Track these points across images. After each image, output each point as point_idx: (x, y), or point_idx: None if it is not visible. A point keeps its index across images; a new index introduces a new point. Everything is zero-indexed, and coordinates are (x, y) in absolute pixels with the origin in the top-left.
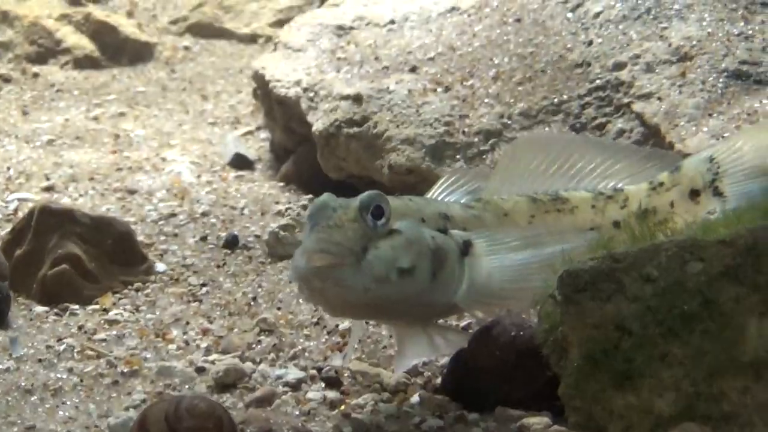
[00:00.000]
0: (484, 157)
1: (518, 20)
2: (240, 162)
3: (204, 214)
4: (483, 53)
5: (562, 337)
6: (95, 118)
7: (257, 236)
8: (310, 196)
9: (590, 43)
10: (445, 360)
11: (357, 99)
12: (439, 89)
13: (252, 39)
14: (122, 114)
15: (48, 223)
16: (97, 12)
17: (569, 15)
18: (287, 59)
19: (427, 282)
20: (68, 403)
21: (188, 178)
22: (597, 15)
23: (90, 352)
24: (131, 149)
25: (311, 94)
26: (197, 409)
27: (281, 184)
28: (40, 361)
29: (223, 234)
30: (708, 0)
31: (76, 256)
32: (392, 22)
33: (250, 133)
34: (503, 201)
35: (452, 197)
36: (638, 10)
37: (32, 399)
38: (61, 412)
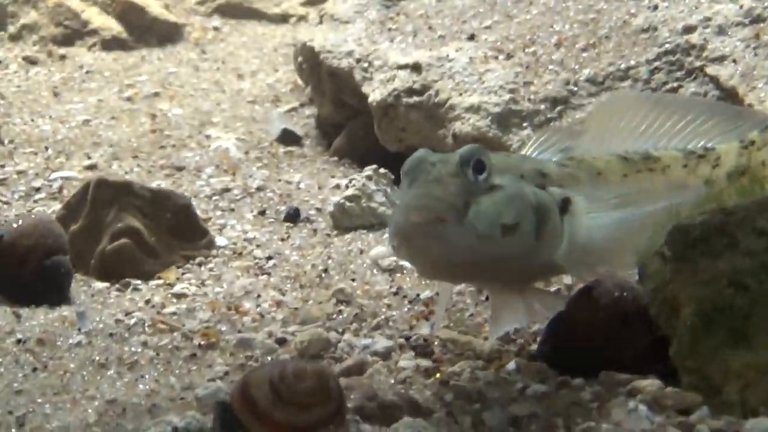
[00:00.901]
0: (552, 124)
1: None
2: (288, 138)
3: (259, 189)
4: (542, 20)
5: (672, 296)
6: (129, 99)
7: (318, 209)
8: (374, 166)
9: (656, 7)
10: (537, 327)
11: (416, 67)
12: (501, 57)
13: (283, 19)
14: (156, 94)
15: (105, 196)
16: None
17: None
18: (335, 31)
19: (530, 240)
20: (146, 376)
21: (236, 155)
22: None
23: (162, 326)
24: (171, 128)
25: (365, 65)
26: (304, 372)
27: (334, 158)
28: (111, 335)
29: (282, 208)
30: None
31: (136, 229)
32: None
33: (294, 109)
34: (595, 159)
35: (545, 156)
36: None
37: (108, 373)
38: (141, 386)
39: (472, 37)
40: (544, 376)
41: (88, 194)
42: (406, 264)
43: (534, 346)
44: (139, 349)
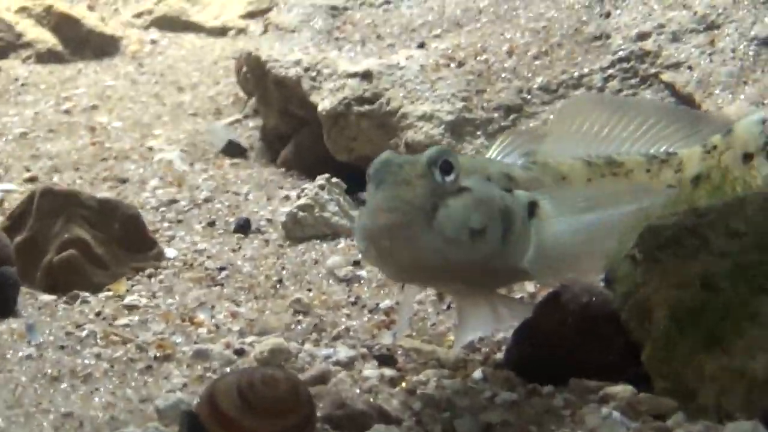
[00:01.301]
0: (514, 128)
1: None
2: (233, 150)
3: (207, 200)
4: (492, 29)
5: (644, 299)
6: (67, 111)
7: (269, 220)
8: (327, 175)
9: (608, 15)
10: (501, 335)
11: (366, 76)
12: (452, 65)
13: (222, 32)
14: (95, 107)
15: (51, 206)
16: (59, 4)
17: None
18: (281, 40)
19: (497, 244)
20: (102, 389)
21: (181, 166)
22: None
23: (115, 338)
24: (111, 140)
25: (313, 74)
26: (274, 379)
27: (281, 169)
28: (62, 347)
29: (232, 219)
30: None
31: (84, 240)
32: (387, 2)
33: (237, 121)
34: (559, 164)
35: (508, 160)
36: None
37: (62, 386)
38: (96, 398)
39: (422, 45)
40: (512, 384)
41: (33, 204)
42: (363, 274)
43: (499, 355)
44: (93, 362)
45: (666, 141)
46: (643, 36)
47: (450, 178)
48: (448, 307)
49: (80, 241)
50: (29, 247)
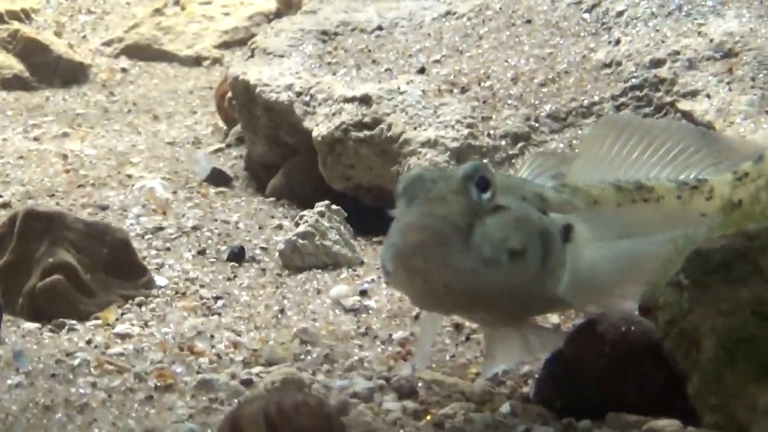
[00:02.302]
0: (513, 161)
1: (528, 22)
2: (218, 178)
3: (195, 228)
4: (495, 55)
5: (691, 327)
6: (36, 139)
7: (263, 249)
8: (327, 202)
9: (617, 42)
10: (527, 368)
11: (365, 100)
12: (455, 90)
13: (196, 61)
14: (65, 134)
15: (35, 228)
16: (27, 29)
17: (585, 15)
18: (269, 65)
19: (537, 268)
20: (100, 419)
21: (163, 194)
22: (620, 14)
23: (109, 367)
24: (86, 168)
25: (306, 98)
26: (305, 405)
27: (271, 199)
28: (53, 376)
29: (223, 248)
30: None
31: (70, 265)
32: (380, 28)
33: (220, 150)
34: (590, 187)
35: (538, 181)
36: (668, 7)
37: (56, 416)
38: (96, 429)
39: (422, 71)
40: (545, 418)
41: (15, 226)
42: (371, 304)
43: (526, 389)
44: (88, 391)
45: (696, 166)
46: (657, 63)
47: (487, 195)
48: (467, 339)
49: (66, 266)
50: (10, 272)
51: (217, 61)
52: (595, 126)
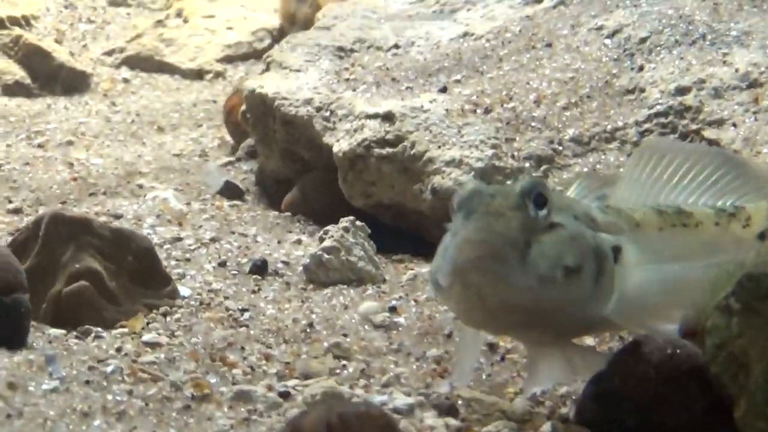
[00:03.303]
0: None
1: (549, 45)
2: (231, 191)
3: (213, 240)
4: (517, 77)
5: (740, 351)
6: (41, 146)
7: (285, 263)
8: (351, 218)
9: (641, 68)
10: (565, 389)
11: (388, 117)
12: (479, 111)
13: (198, 75)
14: (70, 142)
15: (60, 233)
16: (29, 35)
17: (606, 41)
18: (286, 79)
19: (591, 286)
20: (140, 427)
21: (177, 205)
22: (643, 40)
23: (143, 375)
24: (94, 177)
25: (326, 113)
26: (369, 416)
27: (286, 213)
28: (87, 382)
29: (244, 260)
30: (766, 27)
31: (97, 271)
32: (396, 46)
33: (230, 163)
34: (633, 210)
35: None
36: (692, 36)
37: (95, 423)
38: None
39: (444, 90)
40: None
41: (40, 230)
42: (401, 321)
43: (564, 409)
44: (125, 398)
45: (733, 193)
46: (682, 91)
47: (543, 212)
48: (502, 359)
49: (92, 272)
50: (34, 276)
51: (219, 74)
52: (637, 149)
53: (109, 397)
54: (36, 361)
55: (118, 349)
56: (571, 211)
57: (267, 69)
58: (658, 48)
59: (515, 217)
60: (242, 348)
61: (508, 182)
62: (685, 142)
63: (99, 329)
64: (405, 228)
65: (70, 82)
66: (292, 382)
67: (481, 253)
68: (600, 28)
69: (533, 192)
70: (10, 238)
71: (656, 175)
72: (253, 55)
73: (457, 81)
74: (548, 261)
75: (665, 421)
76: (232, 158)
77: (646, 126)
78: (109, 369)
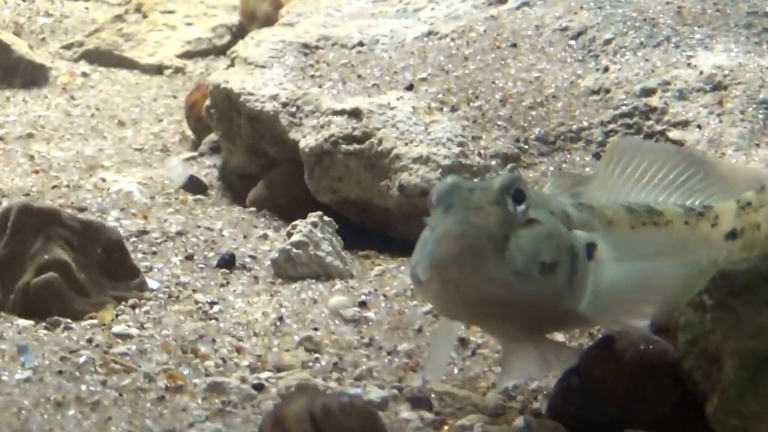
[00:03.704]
0: (488, 178)
1: (513, 45)
2: (194, 186)
3: (179, 234)
4: (482, 76)
5: (713, 347)
6: (1, 139)
7: (252, 257)
8: (320, 213)
9: (606, 69)
10: (536, 384)
11: (355, 114)
12: (445, 108)
13: (158, 70)
14: (30, 135)
15: (29, 224)
16: None
17: (571, 42)
18: (251, 75)
19: (565, 282)
20: (115, 418)
21: (141, 199)
22: (608, 42)
23: (115, 366)
24: (55, 170)
25: (293, 109)
26: (352, 406)
27: (251, 209)
28: (60, 372)
29: (210, 254)
30: (728, 31)
31: (65, 263)
32: (361, 44)
33: (192, 158)
34: (604, 208)
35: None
36: (656, 38)
37: (69, 413)
38: (113, 427)
39: (410, 87)
40: None
41: (9, 220)
42: (371, 315)
43: (536, 404)
44: (98, 389)
45: (702, 193)
46: (647, 92)
47: (521, 208)
48: (473, 353)
49: (61, 263)
50: (2, 267)
51: (179, 70)
52: (609, 148)
53: (83, 387)
54: (8, 351)
55: (89, 341)
56: (547, 208)
57: (232, 64)
58: (623, 49)
59: (494, 212)
60: (213, 340)
61: (475, 180)
62: (655, 143)
63: (68, 320)
64: (370, 224)
65: (28, 76)
66: (264, 375)
67: (460, 247)
68: (564, 29)
69: (512, 188)
70: None
71: (627, 174)
72: (213, 51)
73: (423, 79)
74: (525, 256)
75: (638, 415)
76: (194, 153)
77: (611, 126)
78: (81, 360)
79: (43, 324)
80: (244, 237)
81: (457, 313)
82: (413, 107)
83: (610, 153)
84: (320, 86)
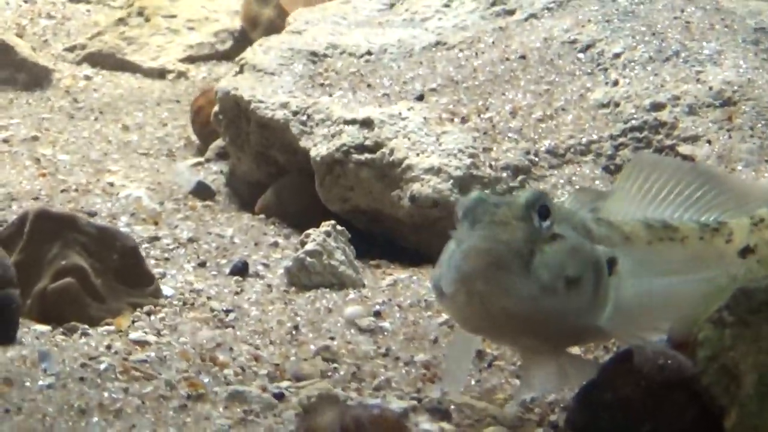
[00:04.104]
0: (514, 194)
1: (522, 57)
2: (203, 192)
3: (191, 240)
4: (492, 87)
5: (732, 363)
6: (6, 141)
7: (265, 265)
8: (332, 222)
9: (615, 83)
10: (553, 397)
11: (367, 123)
12: (456, 120)
13: (160, 74)
14: (35, 138)
15: (46, 229)
16: None
17: (580, 55)
18: (260, 82)
19: (589, 297)
20: (139, 426)
21: (150, 204)
22: (617, 56)
23: (136, 373)
24: (63, 173)
25: (303, 118)
26: (383, 419)
27: (260, 216)
28: (81, 379)
29: (223, 261)
30: (737, 47)
31: (82, 268)
32: (369, 53)
33: (199, 164)
34: (623, 223)
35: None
36: (665, 53)
37: (93, 420)
38: None
39: (421, 98)
40: None
41: (26, 226)
42: (386, 325)
43: (553, 417)
44: (121, 396)
45: (717, 209)
46: (657, 107)
47: (546, 223)
48: (489, 365)
49: (78, 269)
50: (19, 272)
51: (182, 74)
52: (628, 163)
53: (105, 394)
54: (29, 357)
55: (108, 347)
56: (570, 223)
57: (240, 71)
58: (632, 63)
59: (520, 227)
60: (231, 348)
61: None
62: (674, 158)
63: (85, 326)
64: (378, 233)
65: (31, 78)
66: (284, 384)
67: (487, 262)
68: (573, 41)
69: (537, 203)
70: None
71: (645, 190)
72: (215, 56)
73: (433, 90)
74: (551, 271)
75: (655, 430)
76: (200, 159)
77: (621, 140)
78: (102, 366)
79: (60, 329)
80: (255, 244)
81: (481, 327)
82: (424, 118)
83: (629, 168)
84: (330, 95)
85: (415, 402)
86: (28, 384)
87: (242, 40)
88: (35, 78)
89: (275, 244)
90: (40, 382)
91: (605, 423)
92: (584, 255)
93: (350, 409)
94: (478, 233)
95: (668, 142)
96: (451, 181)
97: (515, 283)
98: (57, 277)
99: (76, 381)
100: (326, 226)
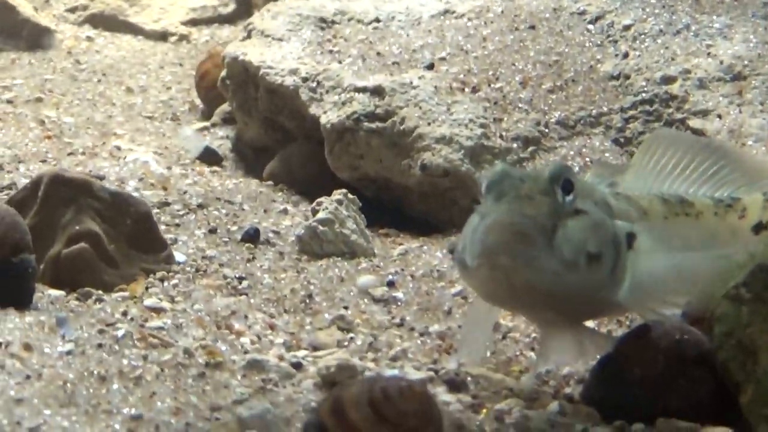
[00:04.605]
0: (524, 164)
1: (532, 27)
2: (210, 157)
3: (201, 206)
4: (502, 58)
5: (749, 340)
6: (10, 102)
7: (276, 232)
8: (344, 190)
9: (625, 55)
10: (567, 370)
11: (378, 91)
12: (467, 89)
13: (162, 36)
14: (39, 99)
15: (60, 194)
16: None
17: (590, 27)
18: (269, 47)
19: (609, 272)
20: (159, 393)
21: (158, 169)
22: (627, 28)
23: (153, 340)
24: (69, 136)
25: (313, 84)
26: (411, 390)
27: (268, 182)
28: (100, 346)
29: (233, 228)
30: (747, 21)
31: (96, 234)
32: (377, 20)
33: (205, 128)
34: (640, 198)
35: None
36: (675, 26)
37: (114, 387)
38: (159, 403)
39: (431, 67)
40: (595, 419)
41: (40, 190)
42: (400, 295)
43: (568, 389)
44: (140, 363)
45: (731, 185)
46: (668, 80)
47: (570, 198)
48: (504, 337)
49: (92, 234)
50: (33, 237)
51: (184, 37)
52: (646, 139)
53: (125, 361)
54: (47, 322)
55: (124, 313)
56: (591, 198)
57: (248, 36)
58: (642, 36)
59: (544, 201)
60: (246, 316)
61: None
62: (692, 134)
63: (99, 292)
64: (386, 201)
65: (33, 38)
66: (301, 353)
67: (511, 236)
68: (582, 12)
69: (561, 178)
70: (5, 197)
71: (662, 165)
72: (218, 19)
73: (443, 59)
74: (573, 246)
75: (671, 404)
76: (206, 123)
77: (631, 113)
78: (119, 333)
79: (75, 295)
80: (265, 211)
81: (503, 300)
82: (435, 87)
83: (647, 143)
84: (340, 62)
85: (432, 373)
86: (47, 350)
87: (245, 3)
88: (37, 39)
89: (284, 211)
90: (59, 348)
91: (621, 397)
92: (605, 231)
93: (378, 380)
94: (503, 207)
95: (678, 116)
96: (462, 151)
97: (539, 257)
98: (71, 242)
99: (94, 347)
100: (338, 194)
